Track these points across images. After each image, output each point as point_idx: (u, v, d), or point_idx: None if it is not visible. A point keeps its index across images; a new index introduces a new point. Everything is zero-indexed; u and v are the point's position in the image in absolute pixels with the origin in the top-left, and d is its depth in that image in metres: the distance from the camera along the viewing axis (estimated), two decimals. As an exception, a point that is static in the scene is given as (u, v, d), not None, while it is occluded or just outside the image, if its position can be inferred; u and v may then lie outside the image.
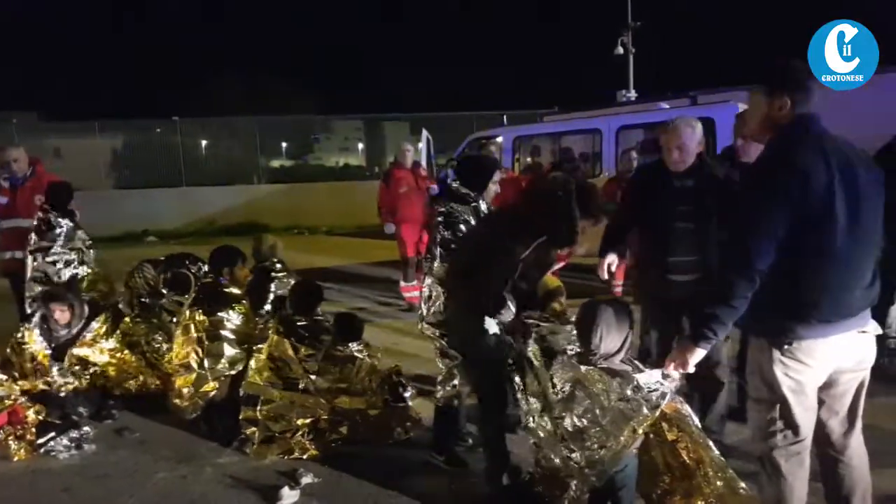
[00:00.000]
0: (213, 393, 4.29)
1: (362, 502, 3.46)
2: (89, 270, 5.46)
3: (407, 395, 4.56)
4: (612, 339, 2.93)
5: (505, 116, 11.72)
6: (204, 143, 20.55)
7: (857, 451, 2.58)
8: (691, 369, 2.59)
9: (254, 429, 3.97)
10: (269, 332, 4.08)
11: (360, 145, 34.97)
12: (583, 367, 2.89)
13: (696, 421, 2.92)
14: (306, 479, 3.63)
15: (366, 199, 8.28)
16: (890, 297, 4.84)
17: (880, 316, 4.83)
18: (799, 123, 2.41)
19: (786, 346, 2.41)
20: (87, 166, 18.43)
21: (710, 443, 2.89)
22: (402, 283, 7.91)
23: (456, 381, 3.80)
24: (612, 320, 2.95)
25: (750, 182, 2.52)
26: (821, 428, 2.56)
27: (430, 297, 3.90)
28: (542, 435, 3.02)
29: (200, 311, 4.28)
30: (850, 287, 2.40)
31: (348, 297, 8.53)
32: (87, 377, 4.67)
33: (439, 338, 3.82)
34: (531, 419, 3.09)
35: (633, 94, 12.79)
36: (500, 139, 9.84)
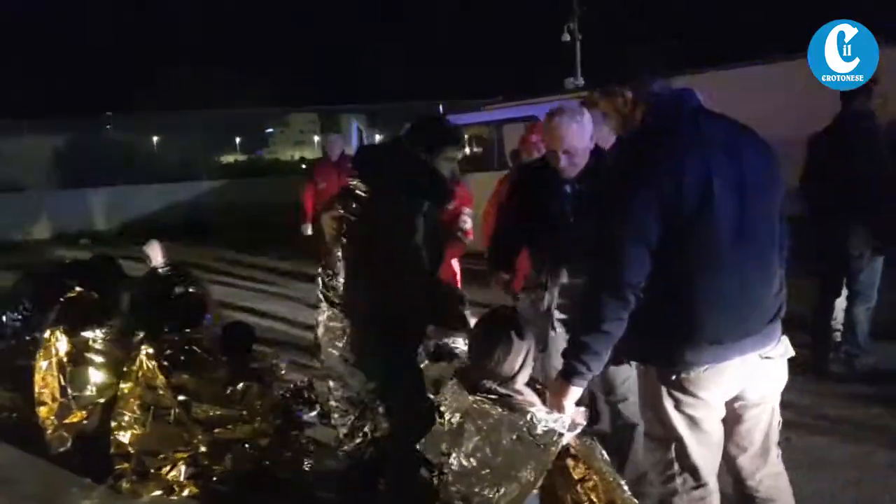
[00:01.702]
0: (84, 423, 3.77)
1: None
2: None
3: (312, 414, 4.09)
4: (509, 361, 2.50)
5: (441, 105, 11.33)
6: (146, 140, 19.74)
7: (774, 485, 2.17)
8: (569, 410, 2.18)
9: (126, 464, 3.48)
10: (139, 353, 3.54)
11: (316, 138, 34.18)
12: (471, 397, 2.46)
13: (605, 455, 2.51)
14: (180, 522, 3.18)
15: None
16: (836, 289, 4.57)
17: (827, 308, 4.58)
18: (660, 107, 2.00)
19: (673, 378, 1.99)
20: (21, 166, 17.58)
21: (621, 480, 2.49)
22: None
23: (367, 429, 3.45)
24: (510, 339, 2.50)
25: (612, 180, 2.09)
26: (731, 465, 2.17)
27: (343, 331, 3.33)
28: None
29: (61, 330, 3.74)
30: (743, 300, 1.96)
31: (276, 299, 8.06)
32: None
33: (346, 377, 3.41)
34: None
35: (581, 82, 12.43)
36: None
